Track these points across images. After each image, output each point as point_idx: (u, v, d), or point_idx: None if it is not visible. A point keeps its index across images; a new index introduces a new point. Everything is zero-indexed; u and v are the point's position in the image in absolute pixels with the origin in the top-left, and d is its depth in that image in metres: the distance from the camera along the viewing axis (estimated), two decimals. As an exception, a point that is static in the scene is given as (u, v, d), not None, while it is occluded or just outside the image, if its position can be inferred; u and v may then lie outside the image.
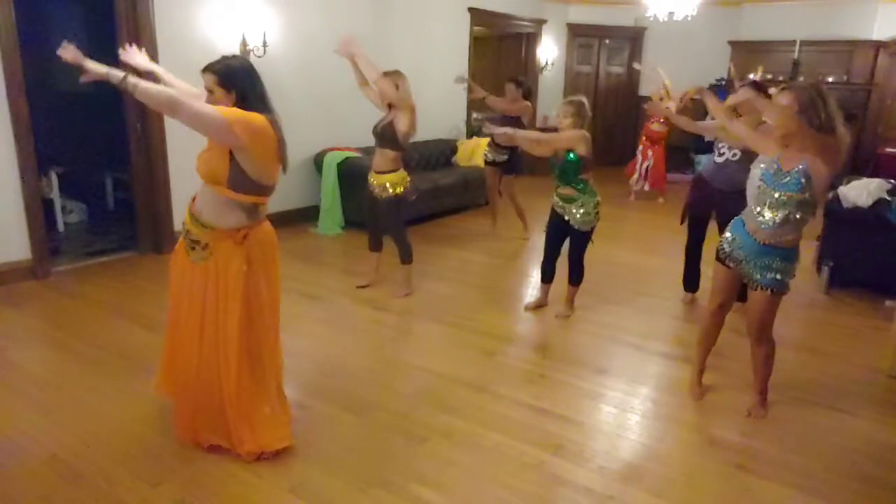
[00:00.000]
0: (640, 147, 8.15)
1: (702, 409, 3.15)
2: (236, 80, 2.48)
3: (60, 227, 5.87)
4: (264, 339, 2.66)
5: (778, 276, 2.80)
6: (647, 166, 8.06)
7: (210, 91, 2.48)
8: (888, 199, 4.65)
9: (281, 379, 2.82)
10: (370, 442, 2.76)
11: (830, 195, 4.98)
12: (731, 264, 2.94)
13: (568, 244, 4.17)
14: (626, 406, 3.16)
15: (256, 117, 2.43)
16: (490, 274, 5.23)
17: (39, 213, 4.57)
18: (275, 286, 2.70)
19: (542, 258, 4.31)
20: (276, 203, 5.90)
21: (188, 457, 2.60)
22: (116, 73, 2.26)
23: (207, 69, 2.48)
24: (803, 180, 2.65)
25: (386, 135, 4.17)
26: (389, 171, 4.26)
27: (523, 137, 4.15)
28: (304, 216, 6.28)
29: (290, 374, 3.36)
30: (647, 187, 8.10)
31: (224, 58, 2.54)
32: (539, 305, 4.37)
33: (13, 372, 3.31)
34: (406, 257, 4.47)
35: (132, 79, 2.25)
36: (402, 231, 4.47)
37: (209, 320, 2.54)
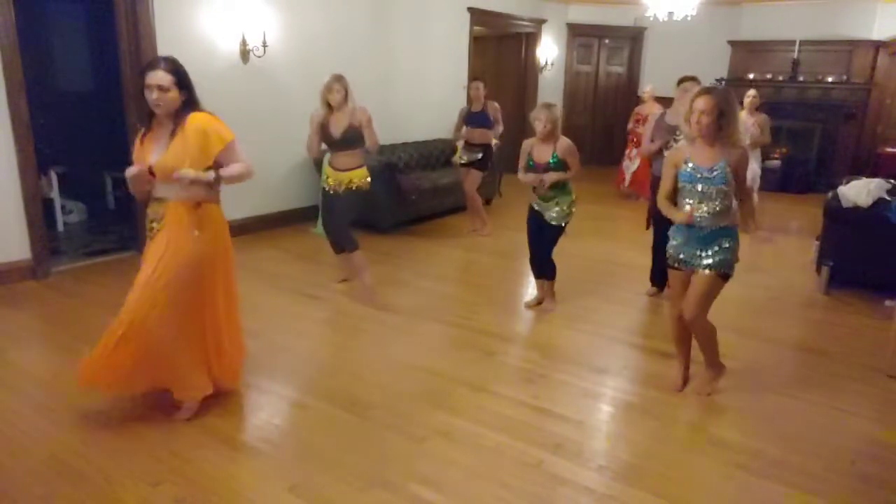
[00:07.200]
0: (627, 150, 8.01)
1: (702, 409, 3.15)
2: (188, 81, 2.65)
3: (60, 227, 5.88)
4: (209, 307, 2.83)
5: (724, 256, 2.95)
6: (632, 168, 7.84)
7: (164, 90, 2.56)
8: (888, 198, 4.64)
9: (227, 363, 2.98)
10: (370, 442, 2.76)
11: (830, 195, 4.99)
12: (680, 266, 3.06)
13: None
14: (626, 406, 3.16)
15: (223, 123, 2.70)
16: (490, 274, 5.23)
17: (39, 213, 4.57)
18: (229, 267, 2.89)
19: (528, 256, 4.35)
20: (276, 203, 6.13)
21: (188, 457, 2.60)
22: (209, 175, 2.64)
23: (162, 69, 2.57)
24: (729, 175, 2.86)
25: (350, 136, 4.15)
26: (355, 168, 4.25)
27: (558, 179, 4.02)
28: (304, 216, 6.28)
29: (290, 374, 3.38)
30: (625, 186, 7.86)
31: (171, 58, 2.64)
32: (539, 302, 4.40)
33: (13, 372, 3.32)
34: (352, 248, 4.36)
35: (217, 174, 2.68)
36: (348, 224, 4.41)
37: (161, 273, 2.66)
